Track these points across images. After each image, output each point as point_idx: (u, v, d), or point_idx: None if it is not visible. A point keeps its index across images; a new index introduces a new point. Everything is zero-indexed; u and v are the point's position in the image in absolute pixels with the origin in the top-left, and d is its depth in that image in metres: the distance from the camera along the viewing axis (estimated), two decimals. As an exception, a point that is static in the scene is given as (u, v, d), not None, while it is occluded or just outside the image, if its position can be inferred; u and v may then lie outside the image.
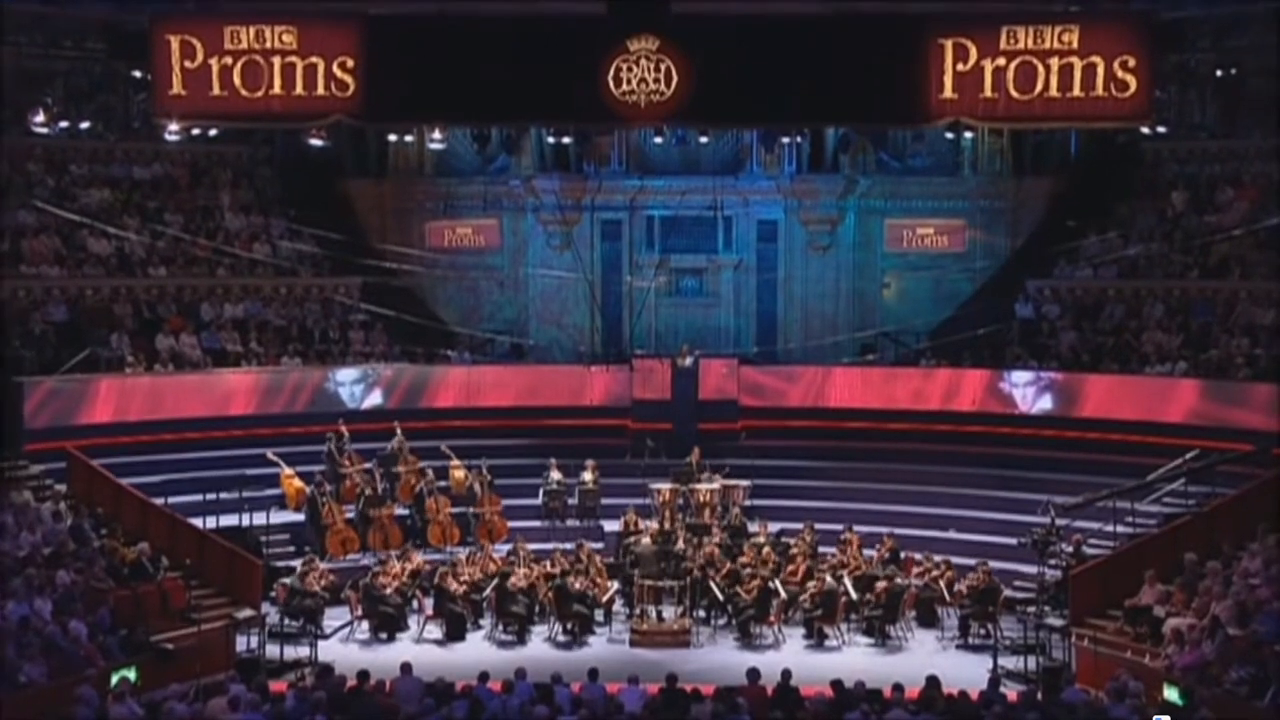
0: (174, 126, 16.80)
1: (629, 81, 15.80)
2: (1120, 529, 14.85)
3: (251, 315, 19.34)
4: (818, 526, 16.26)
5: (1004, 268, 20.75)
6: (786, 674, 11.06)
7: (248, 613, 13.46)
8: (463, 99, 16.33)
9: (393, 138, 20.62)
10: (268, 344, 18.98)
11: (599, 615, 14.91)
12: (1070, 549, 14.53)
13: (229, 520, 15.38)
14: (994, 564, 15.02)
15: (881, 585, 14.62)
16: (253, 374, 18.47)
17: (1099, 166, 20.34)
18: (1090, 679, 12.18)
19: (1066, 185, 20.64)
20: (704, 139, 20.23)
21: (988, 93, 15.70)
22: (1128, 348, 18.22)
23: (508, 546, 16.15)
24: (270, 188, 21.13)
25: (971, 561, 15.10)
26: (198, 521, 14.82)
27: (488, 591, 14.74)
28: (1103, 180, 20.16)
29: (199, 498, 15.27)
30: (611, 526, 17.11)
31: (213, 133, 18.96)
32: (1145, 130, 17.63)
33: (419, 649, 14.02)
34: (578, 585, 14.68)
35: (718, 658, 13.85)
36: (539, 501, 17.56)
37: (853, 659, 13.75)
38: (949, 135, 19.30)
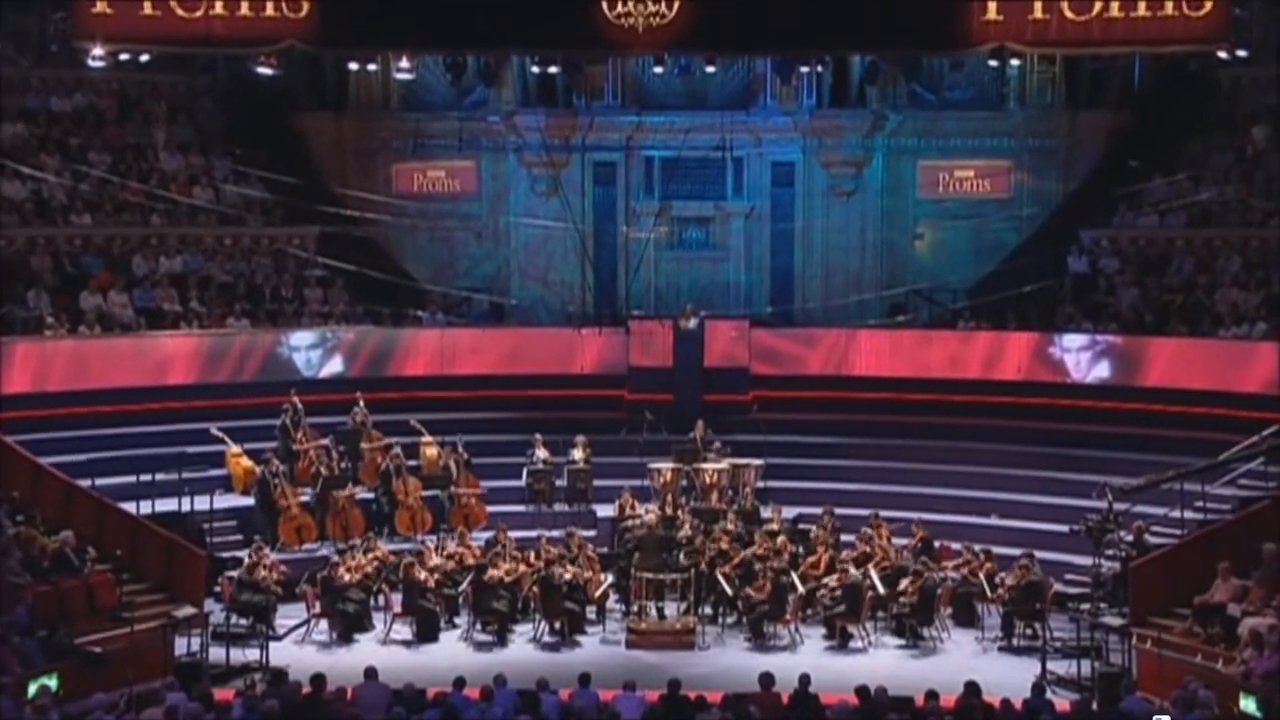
0: (98, 51, 16.52)
1: (625, 2, 15.59)
2: (1189, 515, 14.76)
3: (191, 270, 19.21)
4: (841, 512, 16.26)
5: (1055, 215, 20.68)
6: (805, 679, 11.02)
7: (188, 611, 13.35)
8: (434, 22, 16.17)
9: (354, 66, 20.38)
10: (210, 303, 18.86)
11: (591, 612, 14.85)
12: (1130, 538, 14.46)
13: (166, 505, 15.32)
14: (1042, 555, 15.01)
15: (913, 579, 14.57)
16: (193, 338, 18.38)
17: (1167, 98, 20.20)
18: (1153, 686, 12.09)
19: (1129, 120, 20.53)
20: (710, 68, 20.03)
21: (1038, 13, 15.55)
22: (1198, 307, 18.10)
23: (487, 534, 16.11)
24: (212, 123, 20.98)
25: (1016, 552, 15.03)
26: (130, 506, 14.73)
27: (464, 585, 14.71)
28: (1171, 114, 20.01)
29: (132, 479, 15.19)
30: (605, 511, 17.07)
31: (144, 58, 18.68)
32: (1222, 55, 17.36)
33: (385, 651, 14.00)
34: (567, 578, 14.57)
35: (726, 660, 13.84)
36: (522, 483, 17.54)
37: (880, 662, 13.75)
38: (992, 63, 19.18)
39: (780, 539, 15.29)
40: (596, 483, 17.50)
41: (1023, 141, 20.82)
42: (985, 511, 17.00)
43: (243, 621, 14.08)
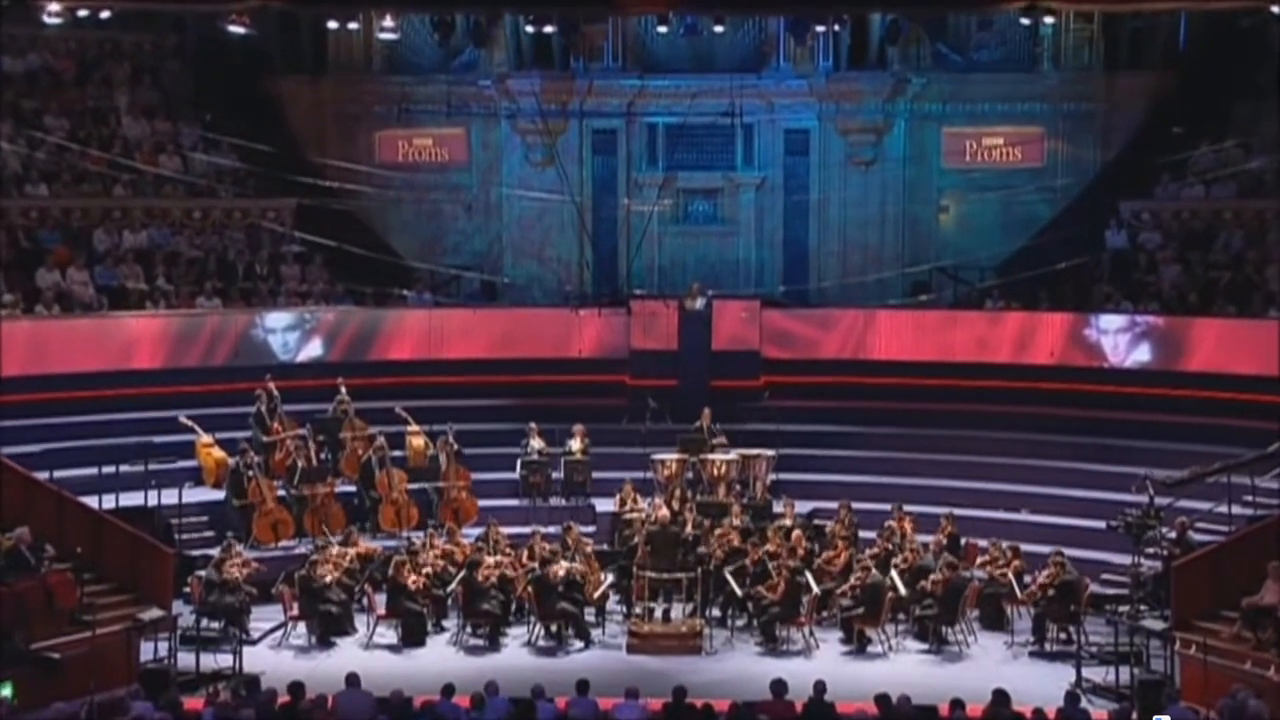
0: (54, 6, 16.38)
1: (626, -44, 15.52)
2: (1237, 510, 14.74)
3: (158, 245, 19.18)
4: (858, 506, 16.23)
5: (1092, 186, 20.63)
6: (820, 687, 11.00)
7: (155, 613, 13.28)
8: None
9: (333, 25, 20.36)
10: (178, 281, 18.83)
11: (590, 614, 14.79)
12: (1173, 534, 14.41)
13: (131, 499, 15.25)
14: (1076, 553, 14.96)
15: (937, 578, 14.51)
16: (160, 318, 18.35)
17: (1214, 58, 20.03)
18: (1198, 695, 12.04)
19: (1173, 82, 20.44)
20: (719, 28, 20.05)
21: (1074, -34, 15.36)
22: (1247, 285, 18.04)
23: (477, 530, 16.07)
24: (180, 86, 20.93)
25: (1048, 549, 14.93)
26: (92, 501, 14.68)
27: (453, 585, 14.67)
28: (1219, 75, 19.86)
29: (93, 471, 15.20)
30: (605, 506, 17.05)
31: (105, 15, 18.57)
32: (1276, 9, 17.18)
33: (368, 656, 13.99)
34: (562, 574, 14.51)
35: (735, 666, 13.82)
36: (516, 476, 17.51)
37: (902, 668, 13.74)
38: (1024, 21, 19.15)
39: (794, 535, 15.24)
40: (595, 475, 17.46)
41: (1057, 106, 20.74)
42: (1015, 506, 16.97)
43: (214, 625, 14.03)
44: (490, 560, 14.78)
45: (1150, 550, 14.26)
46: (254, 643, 13.92)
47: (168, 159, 19.74)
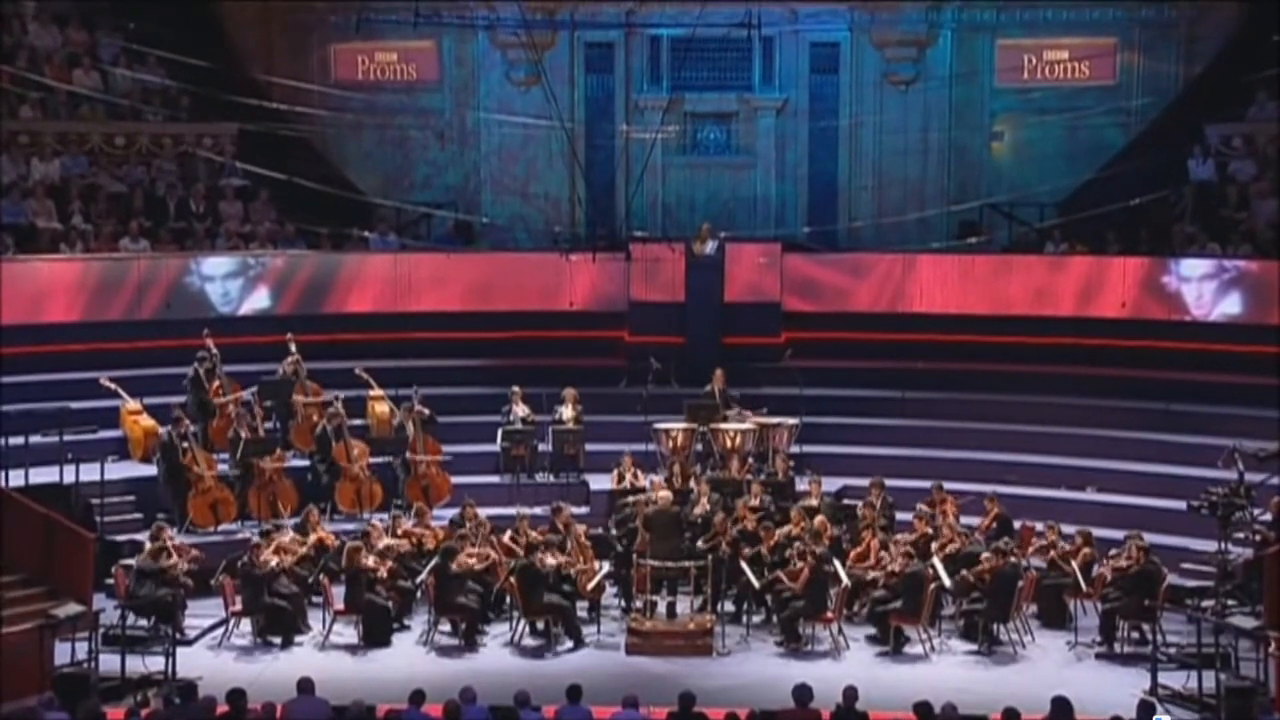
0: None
1: None
2: (1341, 487, 14.90)
3: (74, 176, 19.16)
4: (894, 484, 16.29)
5: (1173, 107, 20.64)
6: (850, 693, 11.06)
7: (72, 609, 13.28)
8: None
9: (279, -81, 20.33)
10: (99, 220, 18.85)
11: (583, 609, 14.85)
12: (1267, 516, 14.43)
13: (44, 475, 15.37)
14: (1152, 538, 14.90)
15: (987, 567, 14.52)
16: (78, 263, 18.38)
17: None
18: (1295, 704, 12.10)
19: (1269, -16, 20.51)
20: (734, -79, 19.93)
21: None
22: (1356, 224, 18.24)
23: (452, 512, 16.11)
24: (99, -10, 21.03)
25: (1119, 534, 15.00)
26: (-2, 476, 14.81)
27: (423, 575, 14.70)
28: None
29: (-1, 442, 15.28)
30: (600, 483, 17.13)
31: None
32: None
33: (324, 658, 14.07)
34: (552, 564, 14.50)
35: (751, 669, 13.88)
36: (496, 448, 17.60)
37: (945, 672, 13.78)
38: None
39: (819, 518, 15.28)
40: (589, 447, 17.59)
41: (1132, 13, 20.76)
42: (1080, 484, 17.06)
43: (142, 622, 14.03)
44: (470, 548, 14.77)
45: (1239, 535, 14.30)
46: (190, 643, 13.94)
47: (84, 75, 19.73)
